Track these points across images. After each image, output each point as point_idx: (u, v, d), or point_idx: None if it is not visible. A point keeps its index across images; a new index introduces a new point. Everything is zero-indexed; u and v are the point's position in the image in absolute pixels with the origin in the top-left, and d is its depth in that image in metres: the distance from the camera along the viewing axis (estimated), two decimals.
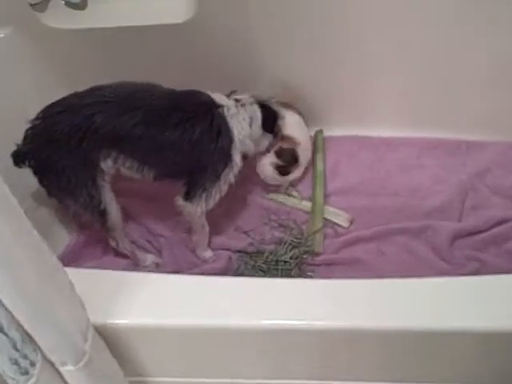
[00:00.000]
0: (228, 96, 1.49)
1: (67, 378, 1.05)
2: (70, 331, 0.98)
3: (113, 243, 1.56)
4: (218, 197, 1.48)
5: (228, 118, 1.43)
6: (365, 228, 1.63)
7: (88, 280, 1.19)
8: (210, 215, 1.55)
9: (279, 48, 1.65)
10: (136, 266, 1.58)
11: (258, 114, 1.50)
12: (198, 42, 1.59)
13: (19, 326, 0.91)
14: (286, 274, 1.55)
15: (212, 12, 1.51)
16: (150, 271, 1.56)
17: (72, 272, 1.18)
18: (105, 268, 1.56)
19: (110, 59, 1.62)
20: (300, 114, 1.71)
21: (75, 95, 1.39)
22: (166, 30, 1.47)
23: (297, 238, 1.61)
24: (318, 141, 1.80)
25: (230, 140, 1.43)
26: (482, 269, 1.54)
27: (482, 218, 1.62)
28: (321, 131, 1.83)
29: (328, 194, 1.71)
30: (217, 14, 1.53)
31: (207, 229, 1.58)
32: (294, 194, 1.72)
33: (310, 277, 1.55)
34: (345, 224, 1.65)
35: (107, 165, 1.42)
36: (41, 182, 1.41)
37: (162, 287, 1.18)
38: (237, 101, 1.48)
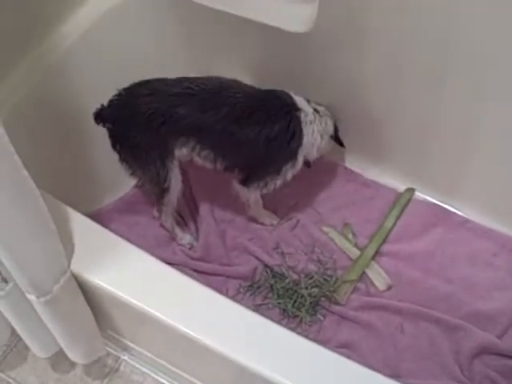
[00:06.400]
0: (308, 101, 1.62)
1: (33, 304, 1.21)
2: (38, 269, 1.15)
3: (156, 214, 1.72)
4: (272, 188, 1.64)
5: (303, 124, 1.58)
6: (399, 300, 1.61)
7: (100, 237, 1.35)
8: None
9: (385, 87, 1.66)
10: (173, 239, 1.72)
11: (330, 127, 1.67)
12: (301, 53, 1.66)
13: None
14: (298, 306, 1.60)
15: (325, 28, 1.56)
16: (182, 249, 1.70)
17: (92, 225, 1.36)
18: (146, 228, 1.73)
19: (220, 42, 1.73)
20: None
21: (164, 82, 1.52)
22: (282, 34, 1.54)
23: (325, 279, 1.64)
24: (402, 198, 1.78)
25: (300, 143, 1.58)
26: None
27: None
28: (411, 190, 1.80)
29: (382, 253, 1.70)
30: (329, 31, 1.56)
31: (261, 204, 1.73)
32: (350, 236, 1.73)
33: (320, 320, 1.59)
34: (381, 287, 1.64)
35: (182, 152, 1.55)
36: (114, 146, 1.56)
37: (157, 275, 1.28)
38: (315, 110, 1.62)
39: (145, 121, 1.48)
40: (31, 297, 1.18)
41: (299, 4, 1.56)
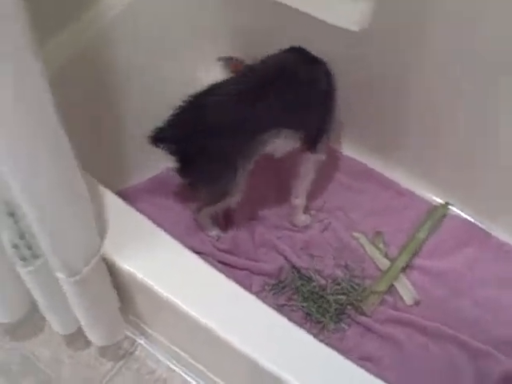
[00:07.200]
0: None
1: (60, 282, 1.20)
2: (71, 247, 1.13)
3: (193, 208, 1.68)
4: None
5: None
6: (426, 317, 1.57)
7: (133, 220, 1.32)
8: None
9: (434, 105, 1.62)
10: (201, 229, 1.70)
11: None
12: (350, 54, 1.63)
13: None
14: (322, 312, 1.58)
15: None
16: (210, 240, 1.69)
17: (125, 208, 1.34)
18: (172, 212, 1.72)
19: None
20: None
21: (229, 83, 1.47)
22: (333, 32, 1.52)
23: (352, 287, 1.61)
24: (436, 212, 1.75)
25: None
26: None
27: None
28: (446, 205, 1.76)
29: (412, 266, 1.66)
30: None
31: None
32: (380, 246, 1.70)
33: (343, 329, 1.57)
34: (409, 301, 1.60)
35: (274, 146, 1.51)
36: (183, 171, 1.50)
37: (186, 265, 1.26)
38: None
39: (226, 128, 1.41)
40: (60, 275, 1.16)
41: (352, 2, 1.54)
